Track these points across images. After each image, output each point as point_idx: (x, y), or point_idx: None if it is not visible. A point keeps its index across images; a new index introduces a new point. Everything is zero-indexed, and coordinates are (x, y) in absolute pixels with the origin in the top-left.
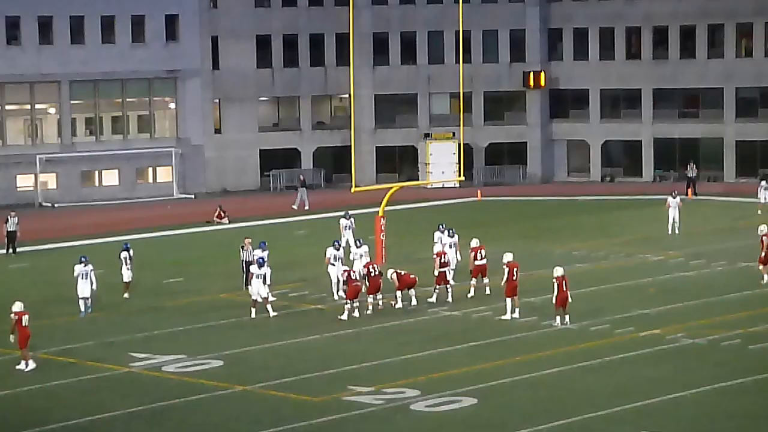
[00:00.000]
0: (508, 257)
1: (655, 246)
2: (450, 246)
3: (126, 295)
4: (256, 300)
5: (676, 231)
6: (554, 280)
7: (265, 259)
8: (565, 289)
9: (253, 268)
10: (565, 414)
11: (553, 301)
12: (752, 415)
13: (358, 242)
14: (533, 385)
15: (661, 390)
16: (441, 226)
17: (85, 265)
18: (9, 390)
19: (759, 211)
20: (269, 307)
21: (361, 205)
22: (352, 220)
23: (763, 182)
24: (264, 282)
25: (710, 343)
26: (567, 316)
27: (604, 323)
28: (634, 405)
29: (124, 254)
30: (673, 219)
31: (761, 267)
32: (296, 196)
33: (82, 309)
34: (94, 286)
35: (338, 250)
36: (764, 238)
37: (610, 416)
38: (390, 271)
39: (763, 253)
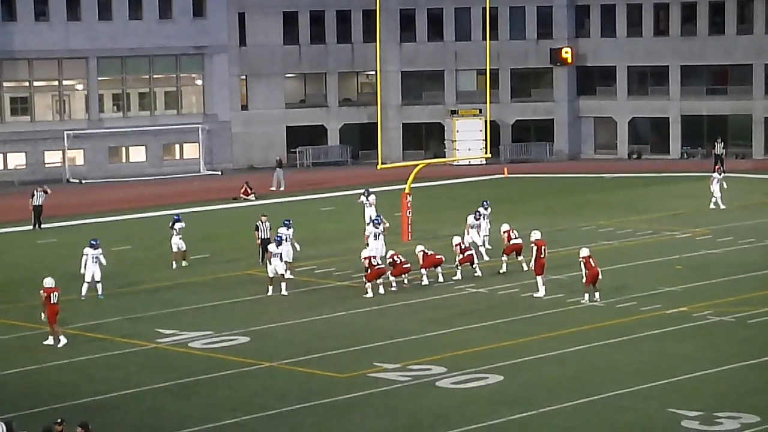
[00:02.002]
0: (536, 235)
1: (682, 223)
2: (473, 227)
3: (184, 263)
4: (272, 277)
5: (721, 206)
6: (581, 260)
7: (286, 237)
8: (594, 265)
9: (272, 247)
10: (591, 391)
11: (583, 279)
12: None
13: (377, 221)
14: (559, 361)
15: (688, 367)
16: (485, 203)
17: (95, 249)
18: (39, 365)
19: None
20: (284, 285)
21: (388, 182)
22: (373, 197)
23: None
24: (281, 259)
25: (737, 320)
26: (597, 293)
27: (630, 300)
28: (661, 382)
29: (179, 225)
30: (716, 194)
31: None
32: (272, 176)
33: (84, 292)
34: (104, 268)
35: (377, 227)
36: None
37: (637, 393)
38: (419, 248)
39: None
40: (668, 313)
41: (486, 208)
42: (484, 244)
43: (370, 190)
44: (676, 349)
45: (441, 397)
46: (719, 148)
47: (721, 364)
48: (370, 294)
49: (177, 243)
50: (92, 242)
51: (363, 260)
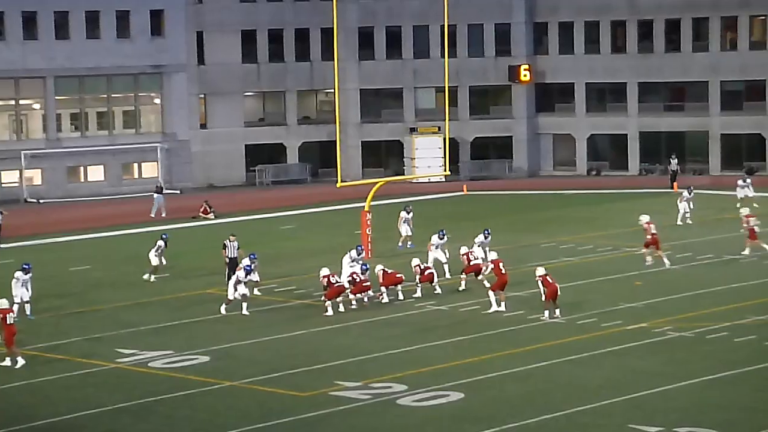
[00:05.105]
0: (492, 256)
1: (641, 239)
2: (437, 247)
3: (152, 277)
4: (232, 300)
5: (688, 221)
6: (538, 279)
7: (252, 268)
8: (552, 282)
9: (240, 275)
10: (553, 408)
11: (543, 298)
12: (740, 407)
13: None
14: (521, 378)
15: (649, 383)
16: (440, 233)
17: (26, 273)
18: None
19: (738, 205)
20: (245, 305)
21: (347, 200)
22: (412, 214)
23: (740, 181)
24: (244, 284)
25: (697, 335)
26: (558, 310)
27: (591, 317)
28: (623, 398)
29: (160, 242)
30: (684, 211)
31: (644, 250)
32: (153, 203)
33: (15, 313)
34: (30, 293)
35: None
36: (646, 225)
37: (599, 409)
38: (378, 267)
39: (649, 237)
40: (629, 329)
41: (442, 237)
42: (447, 262)
43: (410, 207)
44: (637, 365)
45: (402, 415)
46: (674, 164)
47: (681, 379)
48: (330, 312)
49: (153, 258)
50: (24, 266)
51: (322, 279)
